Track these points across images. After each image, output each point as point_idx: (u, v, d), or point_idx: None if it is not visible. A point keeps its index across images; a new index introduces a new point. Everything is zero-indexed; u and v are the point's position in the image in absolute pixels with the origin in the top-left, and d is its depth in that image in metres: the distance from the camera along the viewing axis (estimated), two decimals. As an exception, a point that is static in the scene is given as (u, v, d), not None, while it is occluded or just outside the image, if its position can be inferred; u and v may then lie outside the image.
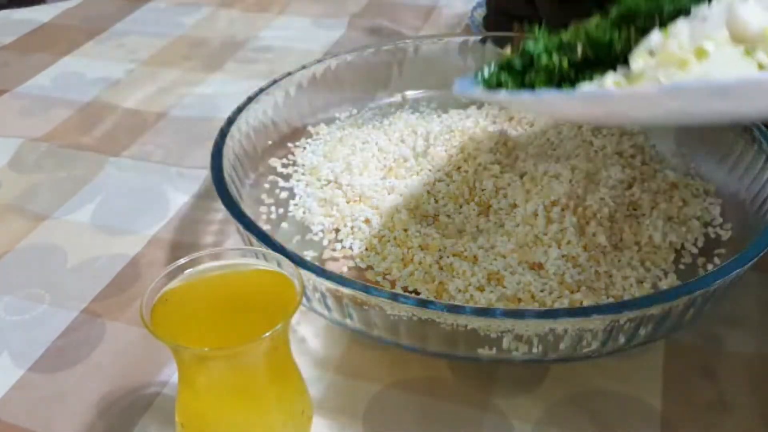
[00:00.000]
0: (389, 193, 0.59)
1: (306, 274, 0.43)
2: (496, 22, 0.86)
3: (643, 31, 0.44)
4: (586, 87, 0.41)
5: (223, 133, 0.58)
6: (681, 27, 0.41)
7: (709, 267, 0.52)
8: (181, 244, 0.59)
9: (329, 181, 0.62)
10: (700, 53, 0.37)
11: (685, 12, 0.44)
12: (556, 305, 0.48)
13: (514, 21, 0.82)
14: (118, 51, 0.91)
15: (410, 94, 0.75)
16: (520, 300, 0.49)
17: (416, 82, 0.74)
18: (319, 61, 0.69)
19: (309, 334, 0.50)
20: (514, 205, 0.56)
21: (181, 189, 0.66)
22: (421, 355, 0.47)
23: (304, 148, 0.67)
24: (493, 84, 0.47)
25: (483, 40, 0.74)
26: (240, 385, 0.38)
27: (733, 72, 0.35)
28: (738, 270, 0.43)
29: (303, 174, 0.64)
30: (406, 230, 0.54)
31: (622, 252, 0.52)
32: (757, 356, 0.48)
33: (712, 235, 0.55)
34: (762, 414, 0.44)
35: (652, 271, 0.51)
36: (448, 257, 0.52)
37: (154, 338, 0.35)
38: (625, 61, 0.43)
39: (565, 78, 0.44)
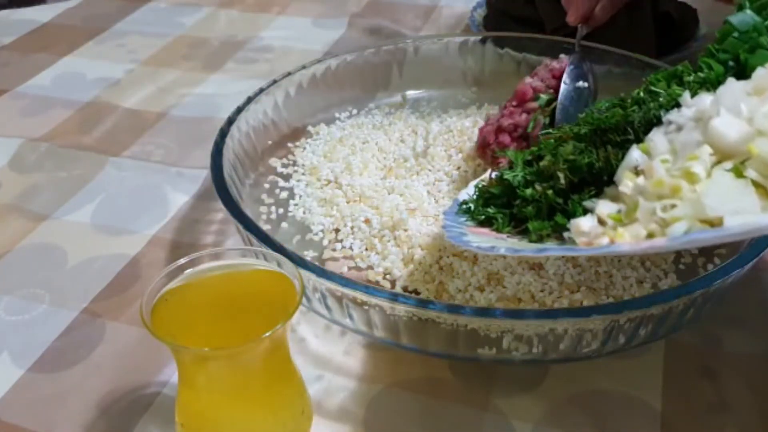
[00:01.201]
0: (389, 193, 0.59)
1: (306, 274, 0.43)
2: (496, 22, 0.86)
3: (619, 145, 0.46)
4: (588, 248, 0.40)
5: (223, 133, 0.58)
6: (658, 141, 0.42)
7: (709, 267, 0.52)
8: (181, 244, 0.59)
9: (329, 181, 0.62)
10: (690, 177, 0.37)
11: (655, 119, 0.45)
12: (556, 305, 0.48)
13: (514, 21, 0.83)
14: (118, 51, 0.91)
15: (410, 94, 0.75)
16: (520, 300, 0.49)
17: (416, 82, 0.74)
18: (319, 61, 0.69)
19: (309, 334, 0.50)
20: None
21: (181, 189, 0.66)
22: (421, 355, 0.47)
23: (304, 148, 0.67)
24: (482, 219, 0.47)
25: (483, 40, 0.74)
26: (240, 385, 0.38)
27: (730, 200, 0.35)
28: (738, 270, 0.43)
29: (303, 174, 0.64)
30: (406, 230, 0.54)
31: (622, 252, 0.52)
32: (757, 356, 0.48)
33: (712, 235, 0.55)
34: (762, 414, 0.44)
35: (652, 271, 0.51)
36: (448, 257, 0.52)
37: (154, 338, 0.35)
38: (610, 178, 0.44)
39: (554, 207, 0.45)
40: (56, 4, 1.05)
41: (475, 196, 0.50)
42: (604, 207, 0.42)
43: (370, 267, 0.53)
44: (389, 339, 0.46)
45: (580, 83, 0.62)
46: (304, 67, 0.68)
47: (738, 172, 0.36)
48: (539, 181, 0.47)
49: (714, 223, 0.35)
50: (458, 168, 0.61)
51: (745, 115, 0.38)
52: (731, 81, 0.42)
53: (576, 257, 0.50)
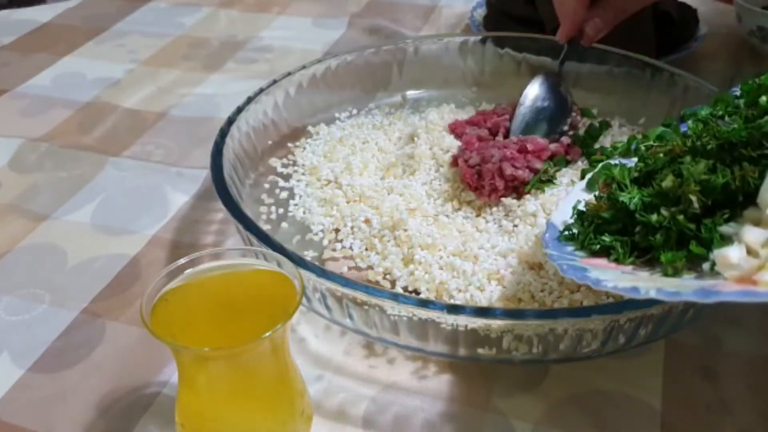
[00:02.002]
0: (389, 193, 0.59)
1: (306, 274, 0.43)
2: (496, 22, 0.86)
3: (755, 161, 0.40)
4: (759, 283, 0.34)
5: (223, 133, 0.58)
6: (735, 232, 0.37)
7: (709, 267, 0.52)
8: (181, 244, 0.59)
9: (329, 181, 0.62)
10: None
11: None
12: (556, 305, 0.48)
13: (514, 21, 0.83)
14: (118, 51, 0.91)
15: (410, 94, 0.75)
16: (520, 300, 0.49)
17: (416, 82, 0.74)
18: (319, 61, 0.69)
19: (309, 334, 0.50)
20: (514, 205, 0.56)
21: (181, 189, 0.66)
22: (421, 355, 0.47)
23: (304, 148, 0.67)
24: (595, 249, 0.43)
25: (483, 40, 0.74)
26: (240, 385, 0.38)
27: None
28: (738, 270, 0.42)
29: (303, 174, 0.64)
30: (406, 230, 0.54)
31: (622, 252, 0.52)
32: (757, 356, 0.48)
33: (712, 235, 0.55)
34: (762, 414, 0.44)
35: (652, 271, 0.51)
36: (448, 257, 0.52)
37: (154, 338, 0.34)
38: (745, 199, 0.39)
39: (685, 234, 0.40)
40: (56, 4, 1.05)
41: (580, 221, 0.46)
42: (753, 234, 0.36)
43: (370, 267, 0.53)
44: (389, 339, 0.46)
45: (540, 103, 0.62)
46: (304, 67, 0.68)
47: None
48: (664, 205, 0.42)
49: None
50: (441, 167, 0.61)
51: None
52: None
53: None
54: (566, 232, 0.46)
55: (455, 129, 0.65)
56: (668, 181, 0.42)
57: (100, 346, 0.50)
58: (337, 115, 0.72)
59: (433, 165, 0.62)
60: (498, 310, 0.42)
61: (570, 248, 0.45)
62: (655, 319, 0.42)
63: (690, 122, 0.51)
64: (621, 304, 0.42)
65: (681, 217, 0.41)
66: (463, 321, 0.42)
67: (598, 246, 0.43)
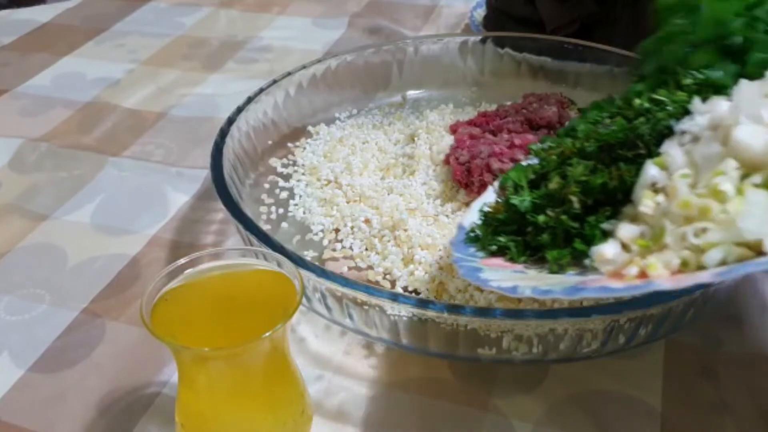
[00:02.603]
0: (389, 193, 0.59)
1: (306, 274, 0.43)
2: (496, 22, 0.86)
3: (631, 160, 0.43)
4: (626, 285, 0.36)
5: (223, 133, 0.58)
6: (674, 154, 0.39)
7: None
8: (181, 244, 0.59)
9: (329, 181, 0.62)
10: (719, 195, 0.34)
11: (666, 130, 0.42)
12: (556, 305, 0.48)
13: (514, 21, 0.83)
14: (118, 51, 0.91)
15: (410, 94, 0.75)
16: (520, 300, 0.49)
17: (416, 82, 0.75)
18: (319, 61, 0.69)
19: (309, 334, 0.50)
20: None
21: (181, 189, 0.66)
22: (421, 355, 0.47)
23: (304, 148, 0.67)
24: (493, 249, 0.45)
25: (483, 40, 0.74)
26: (240, 385, 0.38)
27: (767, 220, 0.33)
28: (738, 270, 0.42)
29: (303, 174, 0.64)
30: (406, 230, 0.54)
31: (622, 252, 0.52)
32: (757, 356, 0.48)
33: (712, 235, 0.55)
34: (762, 414, 0.44)
35: (652, 271, 0.51)
36: (448, 257, 0.52)
37: (154, 338, 0.34)
38: (625, 196, 0.42)
39: (570, 232, 0.42)
40: (56, 4, 1.05)
41: (482, 223, 0.48)
42: (626, 231, 0.39)
43: (370, 267, 0.53)
44: (389, 339, 0.46)
45: None
46: (304, 67, 0.68)
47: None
48: (550, 206, 0.44)
49: (752, 247, 0.33)
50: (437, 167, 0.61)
51: (766, 122, 0.36)
52: (745, 83, 0.39)
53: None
54: (471, 234, 0.48)
55: (456, 130, 0.65)
56: (554, 184, 0.45)
57: (100, 346, 0.50)
58: (337, 115, 0.72)
59: (432, 165, 0.62)
60: (498, 310, 0.42)
61: (473, 249, 0.46)
62: (655, 319, 0.42)
63: (582, 124, 0.52)
64: (621, 304, 0.42)
65: (564, 217, 0.43)
66: (463, 321, 0.42)
67: (495, 247, 0.45)
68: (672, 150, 0.40)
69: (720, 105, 0.40)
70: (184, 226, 0.61)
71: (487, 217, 0.47)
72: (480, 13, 0.91)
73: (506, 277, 0.41)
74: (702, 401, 0.45)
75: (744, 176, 0.35)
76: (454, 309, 0.42)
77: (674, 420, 0.44)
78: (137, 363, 0.49)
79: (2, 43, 0.94)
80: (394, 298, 0.42)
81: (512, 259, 0.44)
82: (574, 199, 0.43)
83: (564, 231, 0.43)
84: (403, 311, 0.43)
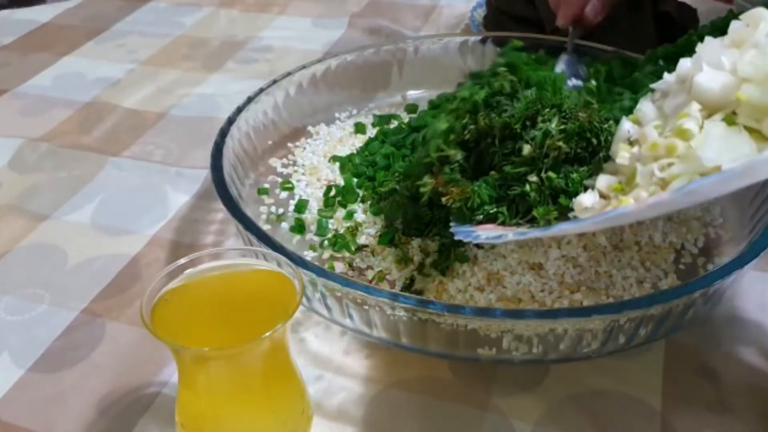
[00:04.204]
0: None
1: (306, 274, 0.43)
2: (496, 22, 0.86)
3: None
4: (599, 215, 0.39)
5: (223, 133, 0.58)
6: (646, 109, 0.43)
7: (709, 267, 0.52)
8: (181, 244, 0.59)
9: (329, 181, 0.62)
10: (684, 134, 0.37)
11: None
12: (556, 305, 0.48)
13: (514, 21, 0.83)
14: (118, 51, 0.91)
15: (410, 94, 0.75)
16: (520, 300, 0.49)
17: (416, 82, 0.74)
18: (319, 61, 0.69)
19: (309, 334, 0.50)
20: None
21: (181, 189, 0.66)
22: (421, 355, 0.47)
23: (304, 148, 0.67)
24: (479, 219, 0.46)
25: (483, 40, 0.74)
26: (240, 385, 0.38)
27: (726, 148, 0.36)
28: (738, 270, 0.43)
29: (303, 174, 0.64)
30: (406, 230, 0.54)
31: (622, 252, 0.52)
32: (757, 356, 0.48)
33: (712, 235, 0.55)
34: (762, 414, 0.44)
35: (652, 271, 0.51)
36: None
37: (154, 338, 0.34)
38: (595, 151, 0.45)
39: (556, 190, 0.45)
40: (56, 4, 1.05)
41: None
42: (604, 180, 0.42)
43: (370, 267, 0.53)
44: (389, 339, 0.46)
45: (573, 81, 0.62)
46: (304, 67, 0.68)
47: (730, 121, 0.37)
48: (530, 168, 0.46)
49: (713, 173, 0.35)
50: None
51: (727, 67, 0.39)
52: (709, 39, 0.42)
53: (576, 257, 0.50)
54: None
55: None
56: (527, 149, 0.46)
57: (100, 346, 0.50)
58: (337, 115, 0.72)
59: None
60: (498, 310, 0.42)
61: (467, 226, 0.47)
62: (655, 319, 0.42)
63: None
64: (621, 304, 0.42)
65: (552, 174, 0.45)
66: (463, 321, 0.42)
67: (482, 215, 0.46)
68: (644, 106, 0.43)
69: (685, 62, 0.42)
70: (184, 226, 0.61)
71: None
72: (480, 13, 0.91)
73: (496, 232, 0.43)
74: (702, 401, 0.45)
75: (707, 117, 0.38)
76: (454, 309, 0.42)
77: (674, 420, 0.44)
78: (137, 363, 0.49)
79: (2, 43, 0.94)
80: (394, 298, 0.42)
81: (503, 223, 0.46)
82: (563, 145, 0.45)
83: (550, 189, 0.45)
84: (403, 311, 0.43)
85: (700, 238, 0.54)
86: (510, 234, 0.40)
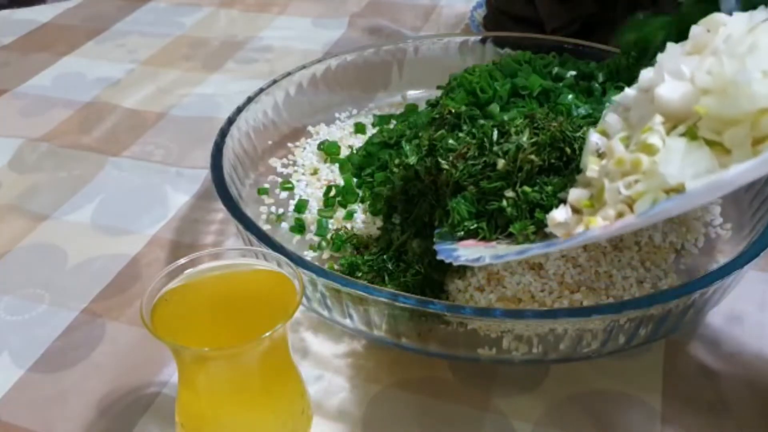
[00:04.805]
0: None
1: (306, 274, 0.43)
2: (496, 22, 0.86)
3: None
4: (566, 240, 0.39)
5: (223, 133, 0.58)
6: (611, 120, 0.42)
7: (709, 267, 0.52)
8: (181, 244, 0.59)
9: (329, 181, 0.62)
10: (648, 149, 0.37)
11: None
12: (556, 305, 0.48)
13: (514, 21, 0.83)
14: (118, 51, 0.91)
15: (410, 94, 0.75)
16: (520, 300, 0.49)
17: (416, 82, 0.74)
18: (319, 61, 0.69)
19: (309, 334, 0.50)
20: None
21: (181, 189, 0.66)
22: (421, 355, 0.47)
23: (304, 148, 0.67)
24: (461, 235, 0.46)
25: (483, 40, 0.74)
26: (240, 385, 0.38)
27: (688, 164, 0.35)
28: (738, 270, 0.43)
29: (303, 174, 0.64)
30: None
31: (622, 252, 0.52)
32: (757, 356, 0.48)
33: (712, 235, 0.55)
34: (762, 414, 0.44)
35: (652, 271, 0.51)
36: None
37: (154, 338, 0.35)
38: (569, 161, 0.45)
39: (532, 204, 0.45)
40: (56, 4, 1.05)
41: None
42: (574, 194, 0.42)
43: (370, 267, 0.53)
44: (389, 339, 0.46)
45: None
46: (304, 67, 0.68)
47: (692, 135, 0.36)
48: (506, 182, 0.46)
49: (678, 191, 0.35)
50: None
51: (687, 76, 0.38)
52: (671, 45, 0.41)
53: (576, 257, 0.50)
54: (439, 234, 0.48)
55: None
56: (501, 164, 0.46)
57: (100, 346, 0.50)
58: (337, 115, 0.72)
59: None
60: (498, 310, 0.42)
61: (449, 242, 0.48)
62: (655, 319, 0.42)
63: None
64: (621, 304, 0.42)
65: (527, 189, 0.45)
66: (463, 321, 0.42)
67: (462, 232, 0.46)
68: (610, 117, 0.43)
69: (647, 71, 0.42)
70: (184, 226, 0.61)
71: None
72: (480, 13, 0.91)
73: (476, 252, 0.43)
74: (702, 401, 0.45)
75: (671, 130, 0.37)
76: (454, 309, 0.42)
77: (674, 420, 0.44)
78: (137, 363, 0.49)
79: (2, 43, 0.94)
80: (394, 298, 0.42)
81: (485, 239, 0.46)
82: (535, 158, 0.45)
83: (527, 203, 0.45)
84: (402, 311, 0.43)
85: (700, 238, 0.54)
86: (487, 257, 0.40)
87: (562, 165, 0.46)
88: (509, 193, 0.45)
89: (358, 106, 0.73)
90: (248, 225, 0.48)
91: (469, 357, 0.45)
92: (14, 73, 0.87)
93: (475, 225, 0.46)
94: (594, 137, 0.42)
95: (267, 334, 0.35)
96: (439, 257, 0.43)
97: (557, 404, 0.45)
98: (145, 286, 0.37)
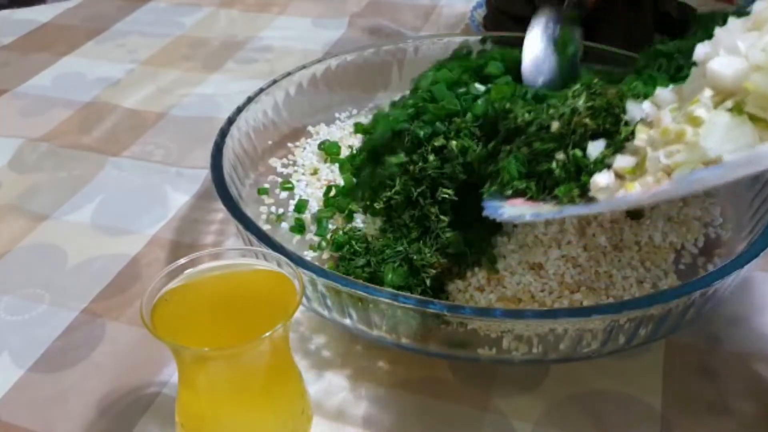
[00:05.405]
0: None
1: (306, 274, 0.43)
2: (496, 22, 0.86)
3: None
4: (602, 202, 0.41)
5: (223, 133, 0.58)
6: (662, 93, 0.43)
7: (709, 267, 0.52)
8: (181, 244, 0.59)
9: (329, 181, 0.62)
10: (694, 121, 0.38)
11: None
12: (556, 305, 0.48)
13: (514, 21, 0.83)
14: (118, 51, 0.91)
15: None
16: (520, 300, 0.49)
17: (416, 82, 0.74)
18: (319, 61, 0.69)
19: (309, 334, 0.50)
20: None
21: (181, 189, 0.66)
22: (421, 355, 0.47)
23: (304, 148, 0.67)
24: (508, 194, 0.47)
25: (483, 40, 0.74)
26: (240, 385, 0.38)
27: (729, 139, 0.36)
28: (738, 270, 0.43)
29: (303, 174, 0.64)
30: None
31: (622, 252, 0.52)
32: (757, 356, 0.48)
33: (712, 235, 0.55)
34: (762, 414, 0.44)
35: (652, 271, 0.51)
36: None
37: (154, 338, 0.34)
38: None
39: (580, 167, 0.45)
40: (56, 4, 1.05)
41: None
42: (620, 161, 0.42)
43: (370, 267, 0.53)
44: (389, 339, 0.46)
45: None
46: (304, 67, 0.68)
47: (738, 110, 0.37)
48: (557, 145, 0.47)
49: (716, 163, 0.35)
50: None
51: (743, 52, 0.38)
52: (732, 20, 0.42)
53: (576, 257, 0.50)
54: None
55: None
56: (554, 126, 0.46)
57: (100, 346, 0.50)
58: (337, 115, 0.72)
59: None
60: (498, 310, 0.42)
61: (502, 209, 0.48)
62: (655, 319, 0.42)
63: None
64: (621, 304, 0.42)
65: (578, 153, 0.45)
66: (463, 321, 0.42)
67: (511, 191, 0.47)
68: (661, 91, 0.44)
69: (704, 45, 0.42)
70: (184, 226, 0.61)
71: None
72: (480, 13, 0.91)
73: (520, 210, 0.45)
74: (702, 401, 0.45)
75: (719, 104, 0.38)
76: (454, 309, 0.42)
77: (674, 420, 0.44)
78: (137, 363, 0.49)
79: (2, 43, 0.94)
80: (394, 298, 0.42)
81: (531, 198, 0.46)
82: (589, 122, 0.45)
83: (576, 167, 0.45)
84: (403, 311, 0.43)
85: (700, 238, 0.54)
86: (528, 215, 0.42)
87: (615, 132, 0.46)
88: (560, 155, 0.45)
89: (358, 106, 0.73)
90: (248, 225, 0.48)
91: (469, 357, 0.45)
92: (14, 73, 0.87)
93: (524, 185, 0.46)
94: (645, 105, 0.43)
95: (267, 334, 0.35)
96: (484, 214, 0.44)
97: (557, 404, 0.45)
98: (145, 286, 0.37)
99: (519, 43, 0.72)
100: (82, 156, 0.71)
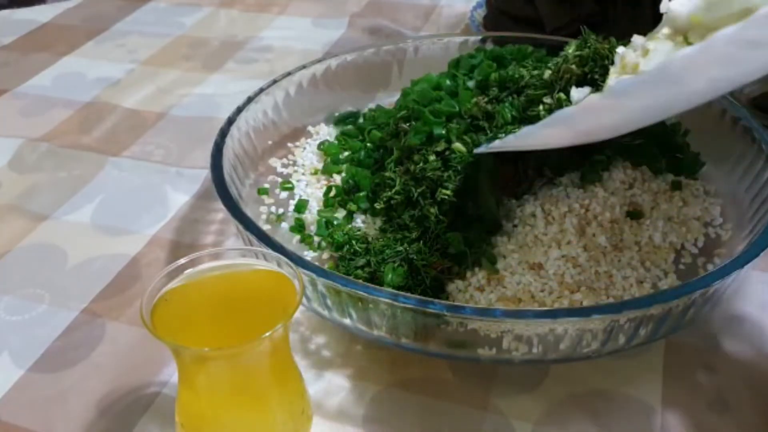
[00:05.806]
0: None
1: (306, 274, 0.43)
2: (496, 22, 0.86)
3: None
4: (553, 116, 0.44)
5: (223, 133, 0.58)
6: (637, 41, 0.46)
7: (709, 267, 0.52)
8: (181, 244, 0.59)
9: (329, 181, 0.62)
10: (646, 53, 0.42)
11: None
12: (556, 305, 0.48)
13: (514, 21, 0.83)
14: (118, 51, 0.91)
15: (410, 94, 0.75)
16: (520, 300, 0.49)
17: (416, 82, 0.74)
18: (319, 61, 0.69)
19: (309, 334, 0.50)
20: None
21: (181, 189, 0.66)
22: (421, 355, 0.47)
23: (304, 148, 0.67)
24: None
25: (483, 40, 0.74)
26: (240, 385, 0.38)
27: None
28: (738, 270, 0.43)
29: (303, 174, 0.64)
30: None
31: (622, 252, 0.52)
32: (757, 356, 0.48)
33: (712, 235, 0.55)
34: (762, 414, 0.44)
35: (652, 271, 0.51)
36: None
37: (154, 338, 0.35)
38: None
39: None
40: (56, 4, 1.05)
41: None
42: (579, 93, 0.47)
43: (370, 267, 0.53)
44: (389, 339, 0.46)
45: None
46: (304, 67, 0.68)
47: (685, 40, 0.41)
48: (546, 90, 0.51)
49: None
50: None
51: None
52: None
53: (576, 257, 0.50)
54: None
55: None
56: (547, 74, 0.52)
57: (100, 346, 0.50)
58: (337, 115, 0.72)
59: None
60: (498, 310, 0.42)
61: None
62: (655, 319, 0.42)
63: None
64: (621, 304, 0.42)
65: (562, 96, 0.50)
66: (463, 321, 0.42)
67: (504, 134, 0.51)
68: (636, 37, 0.47)
69: None
70: (184, 226, 0.61)
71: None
72: (480, 13, 0.91)
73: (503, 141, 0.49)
74: (702, 401, 0.45)
75: (671, 36, 0.43)
76: (454, 309, 0.42)
77: (674, 420, 0.44)
78: (137, 363, 0.49)
79: (2, 43, 0.94)
80: (394, 298, 0.42)
81: None
82: (575, 68, 0.50)
83: (559, 108, 0.48)
84: (403, 311, 0.43)
85: (700, 238, 0.54)
86: (512, 137, 0.46)
87: (604, 79, 0.49)
88: (547, 99, 0.49)
89: (358, 106, 0.73)
90: (248, 225, 0.48)
91: (469, 357, 0.45)
92: (14, 73, 0.87)
93: (517, 129, 0.49)
94: (620, 49, 0.47)
95: (267, 334, 0.35)
96: (475, 152, 0.49)
97: (557, 404, 0.45)
98: (145, 286, 0.37)
99: (519, 43, 0.73)
100: (82, 156, 0.71)
